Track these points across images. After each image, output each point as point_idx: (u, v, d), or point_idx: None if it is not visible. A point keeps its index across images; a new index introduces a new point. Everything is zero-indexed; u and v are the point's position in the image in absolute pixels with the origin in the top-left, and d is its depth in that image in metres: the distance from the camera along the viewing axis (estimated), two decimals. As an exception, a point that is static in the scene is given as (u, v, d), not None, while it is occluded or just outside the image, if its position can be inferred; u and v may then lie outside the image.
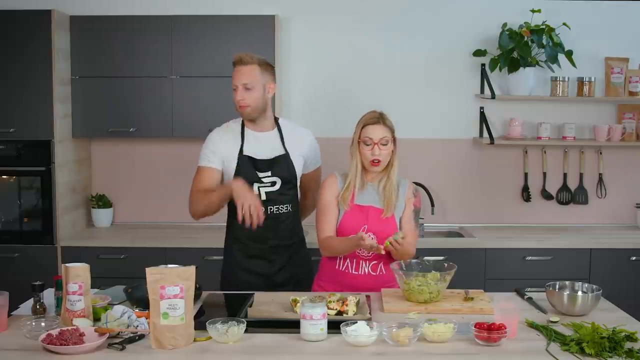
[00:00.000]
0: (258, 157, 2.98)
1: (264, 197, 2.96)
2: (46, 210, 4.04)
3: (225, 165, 3.00)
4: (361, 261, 2.87)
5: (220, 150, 3.00)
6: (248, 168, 2.96)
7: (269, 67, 3.00)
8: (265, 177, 2.97)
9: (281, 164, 3.00)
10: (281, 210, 3.01)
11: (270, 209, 2.97)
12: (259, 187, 2.96)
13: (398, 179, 2.93)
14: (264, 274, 3.02)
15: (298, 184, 3.09)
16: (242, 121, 3.05)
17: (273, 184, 2.99)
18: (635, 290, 3.97)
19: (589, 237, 4.19)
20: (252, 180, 2.94)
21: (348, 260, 2.89)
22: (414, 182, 4.32)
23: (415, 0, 4.43)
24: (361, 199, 2.89)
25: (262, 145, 3.01)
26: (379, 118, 2.86)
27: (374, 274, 2.87)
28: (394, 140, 2.88)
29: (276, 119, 3.12)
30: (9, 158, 4.03)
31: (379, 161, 2.83)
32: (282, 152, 3.02)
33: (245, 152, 2.98)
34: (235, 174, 2.94)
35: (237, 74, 2.94)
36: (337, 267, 2.90)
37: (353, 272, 2.87)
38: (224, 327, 2.26)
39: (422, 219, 4.34)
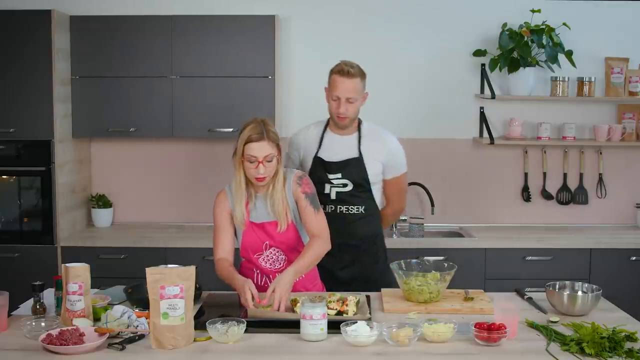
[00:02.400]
0: (330, 160, 3.11)
1: (334, 196, 3.11)
2: (46, 210, 4.04)
3: (303, 165, 3.20)
4: (277, 274, 2.70)
5: (302, 149, 3.21)
6: (319, 170, 3.12)
7: (365, 76, 3.09)
8: (335, 178, 3.10)
9: (352, 167, 3.09)
10: (351, 211, 3.12)
11: (340, 208, 3.12)
12: (330, 187, 3.10)
13: (285, 176, 2.75)
14: (328, 269, 3.04)
15: (377, 187, 3.16)
16: (326, 124, 3.18)
17: (344, 185, 3.11)
18: (635, 290, 3.97)
19: (589, 237, 4.19)
20: (322, 181, 3.09)
21: (265, 276, 2.80)
22: (414, 183, 4.38)
23: (415, 0, 4.43)
24: (255, 216, 2.75)
25: (338, 148, 3.13)
26: (262, 133, 2.61)
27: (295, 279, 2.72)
28: (279, 149, 2.68)
29: (360, 122, 3.17)
30: (9, 158, 4.03)
31: (264, 177, 2.65)
32: (355, 155, 3.10)
33: (320, 155, 3.13)
34: (309, 174, 3.07)
35: (340, 86, 3.00)
36: (256, 282, 2.79)
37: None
38: (224, 327, 2.26)
39: (422, 218, 4.35)
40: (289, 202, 2.74)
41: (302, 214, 2.75)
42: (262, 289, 2.69)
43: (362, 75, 3.06)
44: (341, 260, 3.11)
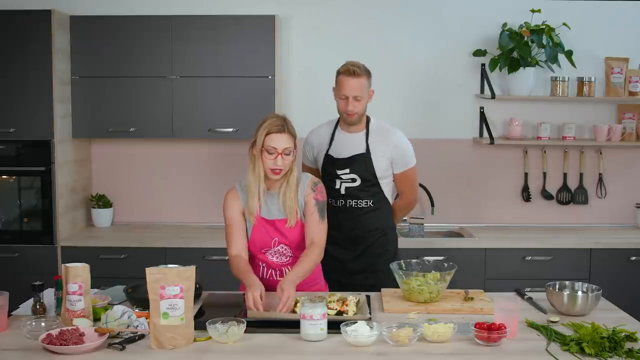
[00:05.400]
0: (338, 157, 3.23)
1: (343, 191, 3.22)
2: (46, 210, 4.04)
3: (317, 163, 3.35)
4: (283, 268, 2.81)
5: (314, 148, 3.35)
6: (329, 166, 3.26)
7: (370, 75, 3.20)
8: (344, 174, 3.22)
9: (359, 163, 3.20)
10: (360, 204, 3.22)
11: (349, 202, 3.22)
12: (340, 183, 3.21)
13: (299, 177, 2.82)
14: (340, 259, 3.21)
15: (386, 181, 3.26)
16: (336, 123, 3.30)
17: (353, 180, 3.21)
18: (635, 290, 3.97)
19: (589, 237, 4.19)
20: (332, 177, 3.23)
21: (272, 269, 2.84)
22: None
23: (415, 1, 4.43)
24: (266, 212, 2.79)
25: (347, 144, 3.23)
26: (284, 126, 2.70)
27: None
28: (296, 146, 2.76)
29: (368, 119, 3.27)
30: (9, 158, 4.03)
31: (280, 170, 2.70)
32: (362, 151, 3.20)
33: (330, 152, 3.26)
34: (321, 170, 3.29)
35: (347, 86, 3.12)
36: (261, 275, 2.82)
37: (278, 278, 2.81)
38: (224, 327, 2.26)
39: (422, 218, 4.35)
40: (299, 202, 2.80)
41: (308, 219, 2.79)
42: (266, 282, 2.76)
43: (367, 74, 3.17)
44: (353, 251, 3.25)
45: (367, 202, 3.23)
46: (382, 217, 3.29)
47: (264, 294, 2.52)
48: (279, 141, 2.68)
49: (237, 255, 2.77)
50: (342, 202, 3.23)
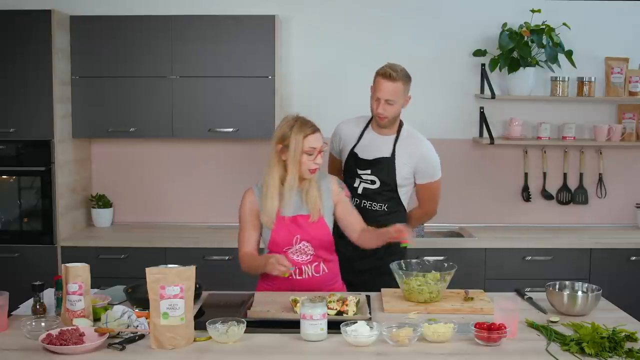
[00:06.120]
0: (363, 156, 3.21)
1: (360, 191, 3.20)
2: (46, 210, 4.04)
3: (341, 155, 3.33)
4: (303, 266, 2.82)
5: (342, 141, 3.33)
6: (352, 164, 3.24)
7: (409, 80, 3.17)
8: (365, 174, 3.20)
9: (382, 166, 3.17)
10: (374, 207, 3.20)
11: (364, 203, 3.20)
12: (360, 182, 3.21)
13: (318, 175, 2.85)
14: (348, 257, 3.12)
15: (405, 190, 3.23)
16: (369, 121, 3.28)
17: (372, 182, 3.19)
18: (635, 290, 3.97)
19: (589, 237, 4.19)
20: (352, 175, 3.22)
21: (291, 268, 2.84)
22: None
23: (415, 1, 4.43)
24: (287, 210, 2.80)
25: (374, 146, 3.21)
26: (315, 125, 2.77)
27: (318, 275, 2.84)
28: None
29: (401, 124, 3.26)
30: (9, 158, 4.03)
31: (317, 168, 2.78)
32: (388, 155, 3.18)
33: (355, 150, 3.24)
34: (344, 165, 3.29)
35: (382, 88, 3.10)
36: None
37: (297, 277, 2.82)
38: (224, 327, 2.26)
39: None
40: (322, 198, 2.83)
41: (348, 215, 2.91)
42: (286, 281, 2.79)
43: (405, 79, 3.13)
44: (359, 250, 3.16)
45: (381, 205, 3.20)
46: (394, 220, 3.17)
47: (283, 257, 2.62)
48: (317, 140, 2.75)
49: (247, 252, 2.82)
50: (356, 201, 3.19)
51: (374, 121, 3.25)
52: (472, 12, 4.43)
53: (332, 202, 2.87)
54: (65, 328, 2.24)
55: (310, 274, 2.83)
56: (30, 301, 2.57)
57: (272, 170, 2.78)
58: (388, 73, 3.09)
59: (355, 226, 2.92)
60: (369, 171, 3.19)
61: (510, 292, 2.90)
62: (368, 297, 2.68)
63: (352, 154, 3.25)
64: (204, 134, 4.19)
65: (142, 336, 2.27)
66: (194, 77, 4.14)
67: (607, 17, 4.42)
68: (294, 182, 2.76)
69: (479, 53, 4.36)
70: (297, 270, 2.82)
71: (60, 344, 2.14)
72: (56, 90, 4.00)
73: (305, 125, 2.75)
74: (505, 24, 4.28)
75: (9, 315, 2.46)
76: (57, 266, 3.93)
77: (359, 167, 3.21)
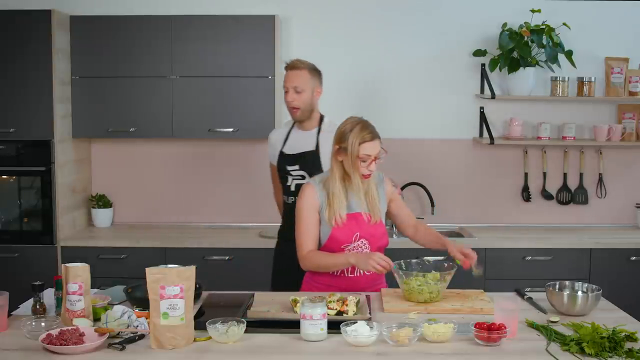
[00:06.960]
0: (289, 153, 3.29)
1: (293, 188, 3.23)
2: (46, 210, 4.04)
3: (275, 161, 3.39)
4: None
5: (272, 147, 3.42)
6: (281, 163, 3.31)
7: (316, 72, 3.26)
8: (294, 170, 3.25)
9: (307, 159, 3.23)
10: None
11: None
12: (291, 179, 3.25)
13: (376, 175, 2.87)
14: (289, 255, 3.07)
15: None
16: (294, 123, 3.35)
17: (302, 177, 3.22)
18: (635, 290, 3.97)
19: (589, 237, 4.19)
20: (284, 173, 3.28)
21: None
22: (415, 183, 4.39)
23: (415, 1, 4.43)
24: (347, 208, 2.82)
25: (299, 142, 3.29)
26: (375, 132, 2.74)
27: (368, 273, 2.85)
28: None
29: (322, 118, 3.33)
30: (9, 158, 4.03)
31: (370, 174, 2.77)
32: (312, 148, 3.23)
33: (283, 149, 3.32)
34: (277, 166, 3.34)
35: (288, 77, 3.21)
36: (331, 272, 2.85)
37: (349, 275, 2.84)
38: (224, 327, 2.26)
39: (422, 218, 4.34)
40: (380, 198, 2.87)
41: (403, 210, 3.02)
42: (337, 278, 2.81)
43: (311, 69, 3.22)
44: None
45: None
46: None
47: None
48: (373, 148, 2.72)
49: (315, 250, 2.82)
50: (292, 199, 3.19)
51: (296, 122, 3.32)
52: (472, 12, 4.43)
53: (386, 203, 2.93)
54: (65, 328, 2.24)
55: (361, 272, 2.83)
56: (30, 301, 2.56)
57: (333, 169, 2.80)
58: (293, 63, 3.20)
59: (409, 221, 3.03)
60: (297, 167, 3.24)
61: (510, 292, 2.90)
62: (368, 297, 2.68)
63: (281, 154, 3.32)
64: (204, 134, 4.19)
65: (142, 336, 2.27)
66: (194, 77, 4.14)
67: (607, 17, 4.42)
68: (359, 186, 2.77)
69: (479, 53, 4.36)
70: (350, 268, 2.82)
71: (60, 344, 2.14)
72: (56, 90, 4.00)
73: (364, 131, 2.70)
74: (505, 24, 4.28)
75: (9, 315, 2.46)
76: (57, 266, 3.93)
77: (287, 163, 3.27)
